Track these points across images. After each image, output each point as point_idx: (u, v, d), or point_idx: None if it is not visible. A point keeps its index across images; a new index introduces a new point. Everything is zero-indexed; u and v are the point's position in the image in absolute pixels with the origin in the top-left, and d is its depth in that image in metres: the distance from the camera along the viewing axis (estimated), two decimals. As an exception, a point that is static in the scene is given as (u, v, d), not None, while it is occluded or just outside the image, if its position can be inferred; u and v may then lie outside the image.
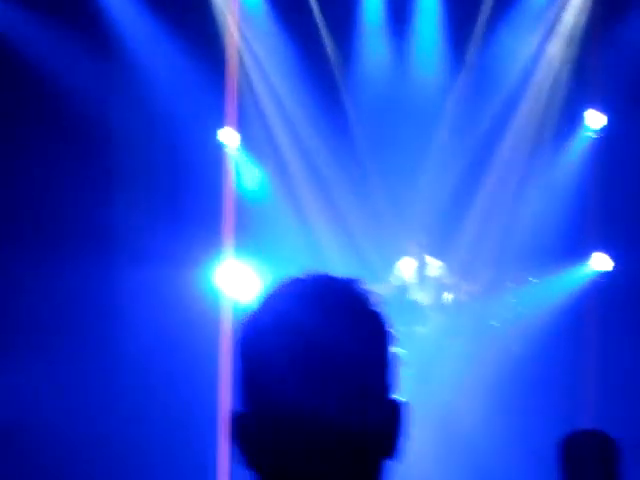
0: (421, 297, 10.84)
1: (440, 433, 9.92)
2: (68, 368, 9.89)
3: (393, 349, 1.49)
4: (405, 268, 10.96)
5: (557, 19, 11.33)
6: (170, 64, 10.90)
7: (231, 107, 10.81)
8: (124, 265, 10.51)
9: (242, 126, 11.18)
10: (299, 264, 10.58)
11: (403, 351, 9.98)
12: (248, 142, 11.21)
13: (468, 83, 11.46)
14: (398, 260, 10.98)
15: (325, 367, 1.39)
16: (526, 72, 11.43)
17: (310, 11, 11.34)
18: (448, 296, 10.77)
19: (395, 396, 1.48)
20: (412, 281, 10.89)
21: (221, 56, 10.52)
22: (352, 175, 11.36)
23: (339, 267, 11.03)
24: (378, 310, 1.48)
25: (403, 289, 10.78)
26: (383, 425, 1.44)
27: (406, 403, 1.48)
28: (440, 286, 10.88)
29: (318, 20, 11.38)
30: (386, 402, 1.46)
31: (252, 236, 10.48)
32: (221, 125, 10.76)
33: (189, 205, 10.75)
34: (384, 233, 11.30)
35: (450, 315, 10.69)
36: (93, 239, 10.26)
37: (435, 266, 10.94)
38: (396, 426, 1.47)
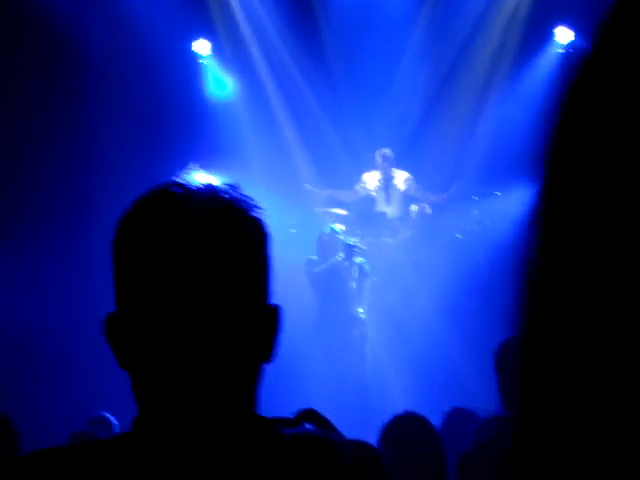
0: (388, 209, 11.00)
1: (397, 336, 10.13)
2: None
3: (271, 254, 1.46)
4: (372, 180, 11.11)
5: None
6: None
7: (205, 17, 10.89)
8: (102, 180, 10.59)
9: (215, 36, 11.26)
10: (270, 173, 10.77)
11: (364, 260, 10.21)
12: (221, 52, 11.29)
13: (437, 2, 11.54)
14: (365, 172, 11.15)
15: (200, 270, 1.37)
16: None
17: None
18: (414, 208, 10.93)
19: (272, 301, 1.46)
20: (379, 193, 11.05)
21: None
22: (323, 88, 11.44)
23: (307, 174, 11.21)
24: (258, 216, 1.46)
25: (370, 201, 10.93)
26: (260, 329, 1.43)
27: (281, 308, 1.46)
28: (406, 198, 11.03)
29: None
30: (263, 307, 1.44)
31: (225, 144, 10.61)
32: (194, 32, 10.84)
33: (166, 119, 10.80)
34: (353, 145, 11.43)
35: (416, 227, 10.86)
36: (71, 155, 10.39)
37: (402, 178, 11.07)
38: (273, 331, 1.45)
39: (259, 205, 1.46)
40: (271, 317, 1.45)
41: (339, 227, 10.20)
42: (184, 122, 10.80)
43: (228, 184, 1.46)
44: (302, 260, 10.43)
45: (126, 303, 1.41)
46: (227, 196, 1.44)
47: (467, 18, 11.48)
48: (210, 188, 1.44)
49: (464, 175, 11.09)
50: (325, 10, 11.59)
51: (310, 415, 1.55)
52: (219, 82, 11.39)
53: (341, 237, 10.08)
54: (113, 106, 10.71)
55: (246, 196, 1.46)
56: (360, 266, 10.08)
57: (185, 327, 1.37)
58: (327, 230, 10.28)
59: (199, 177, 1.45)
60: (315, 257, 10.42)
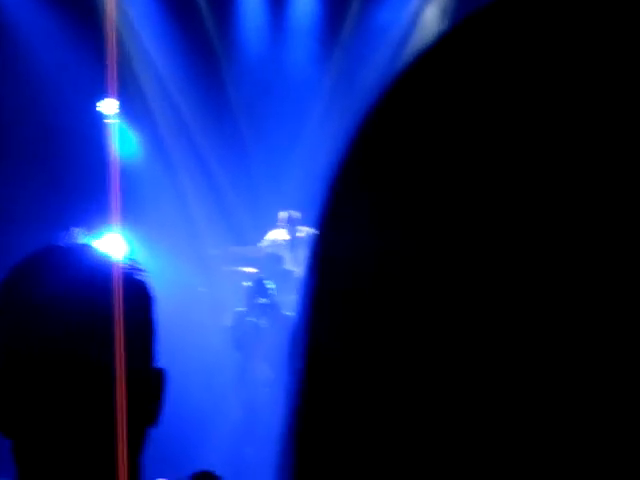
0: (295, 267, 11.01)
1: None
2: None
3: (154, 316, 1.45)
4: (279, 238, 11.14)
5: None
6: (49, 36, 10.83)
7: (111, 77, 10.81)
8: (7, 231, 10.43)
9: (121, 95, 11.22)
10: (172, 231, 10.73)
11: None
12: (126, 112, 11.26)
13: (344, 58, 11.68)
14: (271, 229, 11.17)
15: (78, 336, 1.35)
16: (400, 45, 11.68)
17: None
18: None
19: (156, 364, 1.45)
20: (286, 251, 11.06)
21: (100, 28, 10.49)
22: (229, 146, 11.48)
23: (211, 234, 11.19)
24: (141, 278, 1.45)
25: (278, 259, 10.94)
26: (145, 394, 1.41)
27: (166, 370, 1.46)
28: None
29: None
30: (146, 371, 1.43)
31: (128, 205, 10.53)
32: (100, 91, 10.78)
33: (69, 176, 10.71)
34: (259, 203, 11.46)
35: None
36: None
37: (310, 235, 11.09)
38: (157, 394, 1.44)
39: (142, 267, 1.46)
40: (153, 382, 1.44)
41: (270, 283, 10.08)
42: (88, 180, 10.69)
43: (111, 247, 1.48)
44: (214, 318, 10.34)
45: (7, 368, 1.38)
46: (108, 259, 1.43)
47: (376, 69, 11.64)
48: (91, 251, 1.44)
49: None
50: (232, 71, 11.66)
51: (204, 477, 1.55)
52: (125, 141, 11.34)
53: (263, 300, 9.92)
54: (12, 163, 10.61)
55: (129, 259, 1.46)
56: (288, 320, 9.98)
57: (64, 393, 1.35)
58: (253, 285, 10.14)
59: (81, 240, 1.47)
60: (243, 309, 10.23)
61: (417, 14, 11.64)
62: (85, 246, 1.45)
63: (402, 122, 0.51)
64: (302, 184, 11.43)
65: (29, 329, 1.36)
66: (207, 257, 10.94)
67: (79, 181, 10.63)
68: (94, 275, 1.39)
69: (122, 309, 1.38)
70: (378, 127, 0.53)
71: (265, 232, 11.15)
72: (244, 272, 10.82)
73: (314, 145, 11.55)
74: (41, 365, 1.35)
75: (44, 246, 1.44)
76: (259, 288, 9.91)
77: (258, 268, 10.85)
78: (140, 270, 1.46)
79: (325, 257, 0.55)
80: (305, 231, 11.11)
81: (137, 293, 1.44)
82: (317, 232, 0.56)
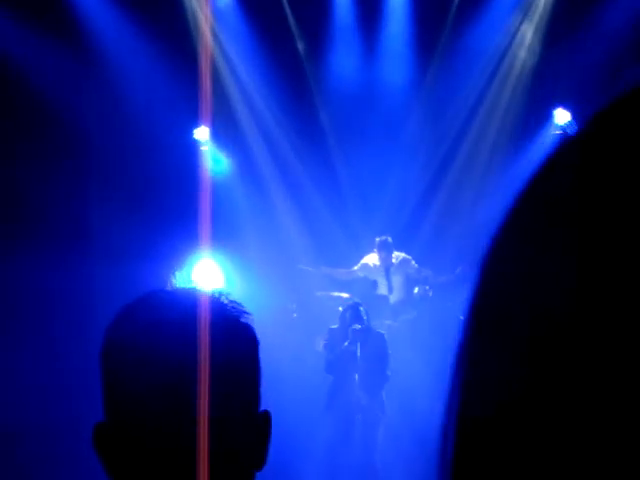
0: (390, 292, 10.96)
1: (406, 429, 10.04)
2: (42, 364, 10.00)
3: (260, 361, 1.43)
4: (373, 263, 11.10)
5: (529, 9, 11.51)
6: (143, 63, 11.01)
7: (205, 106, 10.95)
8: (101, 264, 10.60)
9: (214, 121, 11.34)
10: (265, 255, 10.79)
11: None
12: (219, 136, 11.37)
13: (437, 80, 11.64)
14: (366, 255, 11.14)
15: (189, 384, 1.33)
16: (493, 71, 11.62)
17: (282, 9, 11.49)
18: (416, 290, 10.90)
19: (262, 408, 1.44)
20: (380, 276, 11.02)
21: (194, 55, 10.65)
22: (322, 170, 11.52)
23: (304, 256, 11.20)
24: (247, 323, 1.44)
25: (372, 284, 10.89)
26: (250, 439, 1.40)
27: (271, 414, 1.44)
28: (408, 281, 11.00)
29: (290, 18, 11.55)
30: (254, 416, 1.42)
31: (223, 229, 10.65)
32: (193, 119, 10.91)
33: (165, 202, 10.86)
34: (351, 228, 11.46)
35: (419, 309, 10.81)
36: (70, 238, 10.38)
37: (403, 261, 11.06)
38: (263, 439, 1.43)
39: (247, 311, 1.45)
40: (261, 426, 1.44)
41: (364, 313, 9.99)
42: (182, 202, 10.82)
43: (216, 292, 1.45)
44: (305, 344, 10.35)
45: (115, 414, 1.39)
46: (216, 306, 1.42)
47: (465, 101, 11.59)
48: (196, 296, 1.42)
49: (468, 257, 11.08)
50: (323, 94, 11.70)
51: None
52: (218, 165, 11.45)
53: (357, 327, 9.83)
54: (113, 186, 10.80)
55: (235, 303, 1.45)
56: (381, 339, 9.90)
57: (174, 441, 1.34)
58: (350, 311, 10.06)
59: (186, 286, 1.47)
60: (336, 325, 10.14)
61: (511, 36, 11.57)
62: (190, 291, 1.44)
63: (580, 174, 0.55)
64: (395, 210, 11.41)
65: (139, 376, 1.35)
66: (301, 282, 10.95)
67: (176, 209, 10.77)
68: (199, 322, 1.37)
69: (231, 357, 1.39)
70: (553, 183, 0.58)
71: (358, 257, 11.13)
72: (338, 297, 10.81)
73: (406, 170, 11.52)
74: (149, 413, 1.35)
75: (149, 290, 1.43)
76: (354, 314, 9.86)
77: (352, 293, 10.82)
78: (246, 313, 1.45)
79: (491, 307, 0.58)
80: (397, 257, 11.06)
81: (244, 338, 1.43)
82: (478, 282, 0.59)
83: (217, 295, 1.44)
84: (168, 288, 1.44)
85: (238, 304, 1.46)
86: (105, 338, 1.42)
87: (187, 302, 1.40)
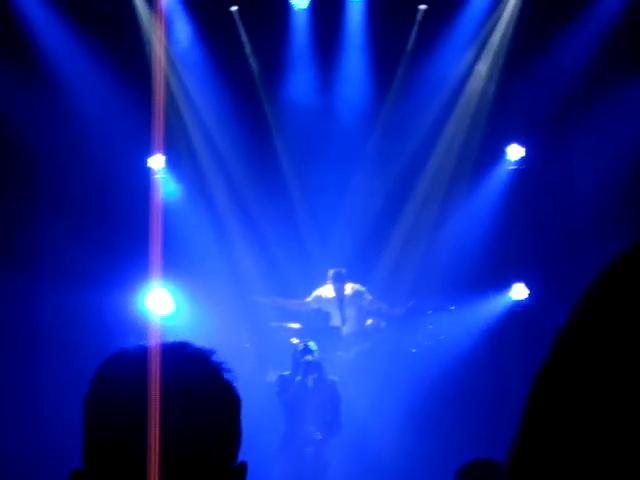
0: (342, 324, 10.93)
1: (356, 454, 10.01)
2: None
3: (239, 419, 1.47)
4: (325, 294, 11.07)
5: (485, 42, 11.59)
6: (99, 89, 10.95)
7: (158, 133, 10.90)
8: (51, 291, 10.48)
9: (169, 148, 11.29)
10: (218, 285, 10.73)
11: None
12: (173, 164, 11.31)
13: (392, 112, 11.68)
14: (320, 285, 11.11)
15: (170, 438, 1.36)
16: (448, 105, 11.68)
17: (238, 34, 11.50)
18: (369, 322, 10.88)
19: (238, 462, 1.47)
20: (333, 307, 10.99)
21: (150, 82, 10.61)
22: (276, 200, 11.48)
23: (257, 289, 11.15)
24: (229, 380, 1.46)
25: (325, 315, 10.87)
26: None
27: (247, 466, 1.48)
28: (361, 312, 10.98)
29: (245, 44, 11.55)
30: (229, 469, 1.44)
31: (174, 259, 10.58)
32: (148, 146, 10.87)
33: (117, 229, 10.77)
34: (307, 258, 11.42)
35: (370, 341, 10.79)
36: (18, 265, 10.26)
37: (356, 292, 11.04)
38: None
39: (229, 369, 1.48)
40: (238, 477, 1.46)
41: (314, 345, 9.96)
42: (135, 230, 10.74)
43: (199, 348, 1.47)
44: (257, 374, 10.28)
45: (93, 462, 1.41)
46: (197, 362, 1.44)
47: (421, 135, 11.62)
48: (181, 352, 1.46)
49: (421, 290, 11.10)
50: (278, 120, 11.69)
51: None
52: (172, 192, 11.38)
53: (309, 358, 9.82)
54: (65, 213, 10.72)
55: (217, 360, 1.47)
56: (332, 384, 9.90)
57: None
58: (301, 347, 10.04)
59: (171, 339, 1.48)
60: (288, 372, 10.12)
61: (467, 70, 11.64)
62: (173, 346, 1.46)
63: None
64: (350, 240, 11.39)
65: (120, 428, 1.38)
66: (253, 311, 10.89)
67: (129, 237, 10.69)
68: (185, 377, 1.41)
69: (212, 413, 1.41)
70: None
71: (312, 287, 11.10)
72: (290, 327, 10.76)
73: (362, 201, 11.52)
74: (127, 464, 1.36)
75: (136, 345, 1.46)
76: (305, 347, 9.84)
77: (304, 324, 10.79)
78: (227, 371, 1.47)
79: None
80: (352, 288, 11.04)
81: (225, 395, 1.45)
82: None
83: (200, 351, 1.46)
84: (153, 343, 1.46)
85: (220, 362, 1.47)
86: (91, 386, 1.44)
87: (168, 360, 1.42)
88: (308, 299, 11.01)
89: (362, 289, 11.05)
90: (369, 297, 11.00)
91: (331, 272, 10.99)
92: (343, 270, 10.96)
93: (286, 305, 11.02)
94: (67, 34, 10.87)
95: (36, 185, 10.81)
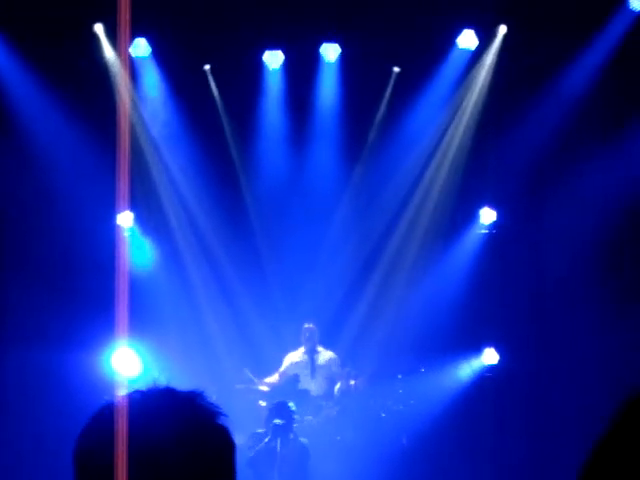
0: (312, 386, 10.82)
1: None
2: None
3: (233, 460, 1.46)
4: (296, 357, 10.96)
5: (458, 106, 11.61)
6: (67, 144, 10.87)
7: (123, 192, 10.78)
8: (15, 350, 10.31)
9: (138, 207, 11.19)
10: (187, 346, 10.62)
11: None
12: (142, 222, 11.21)
13: (365, 174, 11.66)
14: (290, 350, 11.00)
15: None
16: (422, 168, 11.68)
17: (210, 94, 11.48)
18: (338, 386, 10.76)
19: None
20: (303, 370, 10.87)
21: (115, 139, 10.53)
22: (247, 262, 11.40)
23: (227, 356, 11.05)
24: (222, 424, 1.46)
25: (294, 378, 10.75)
26: None
27: None
28: (331, 377, 10.87)
29: (219, 106, 11.53)
30: None
31: (142, 317, 10.44)
32: (115, 202, 10.76)
33: (85, 287, 10.63)
34: (277, 322, 11.34)
35: (340, 405, 10.67)
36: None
37: (326, 356, 10.95)
38: None
39: (223, 412, 1.48)
40: None
41: (293, 406, 9.82)
42: (102, 288, 10.61)
43: (190, 392, 1.48)
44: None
45: None
46: (190, 407, 1.44)
47: (394, 198, 11.61)
48: (172, 398, 1.44)
49: (392, 351, 11.05)
50: (250, 183, 11.64)
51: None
52: (141, 251, 11.26)
53: (277, 422, 9.66)
54: (31, 271, 10.57)
55: (210, 404, 1.47)
56: (302, 446, 9.77)
57: None
58: (273, 406, 9.88)
59: (159, 387, 1.46)
60: (262, 430, 9.97)
61: (442, 129, 11.65)
62: (164, 392, 1.45)
63: None
64: (320, 300, 11.31)
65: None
66: (221, 373, 10.77)
67: (96, 296, 10.54)
68: (178, 425, 1.40)
69: (207, 460, 1.39)
70: None
71: (281, 351, 10.98)
72: (258, 390, 10.63)
73: (333, 264, 11.45)
74: None
75: (128, 393, 1.43)
76: (278, 410, 9.72)
77: (273, 387, 10.66)
78: (221, 414, 1.48)
79: None
80: (324, 354, 10.95)
81: (219, 440, 1.45)
82: None
83: (191, 397, 1.46)
84: (141, 393, 1.43)
85: (213, 405, 1.48)
86: (80, 438, 1.42)
87: (163, 405, 1.42)
88: (282, 369, 10.89)
89: (335, 356, 10.98)
90: (338, 362, 10.92)
91: (304, 330, 10.89)
92: (313, 327, 10.87)
93: (273, 383, 10.82)
94: (36, 88, 10.80)
95: (4, 245, 10.66)
